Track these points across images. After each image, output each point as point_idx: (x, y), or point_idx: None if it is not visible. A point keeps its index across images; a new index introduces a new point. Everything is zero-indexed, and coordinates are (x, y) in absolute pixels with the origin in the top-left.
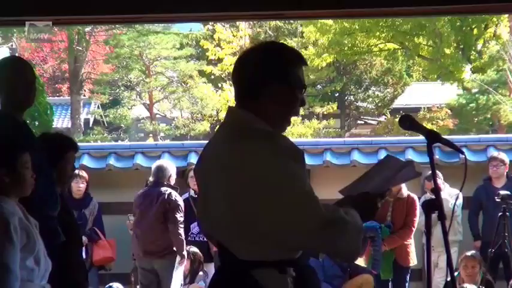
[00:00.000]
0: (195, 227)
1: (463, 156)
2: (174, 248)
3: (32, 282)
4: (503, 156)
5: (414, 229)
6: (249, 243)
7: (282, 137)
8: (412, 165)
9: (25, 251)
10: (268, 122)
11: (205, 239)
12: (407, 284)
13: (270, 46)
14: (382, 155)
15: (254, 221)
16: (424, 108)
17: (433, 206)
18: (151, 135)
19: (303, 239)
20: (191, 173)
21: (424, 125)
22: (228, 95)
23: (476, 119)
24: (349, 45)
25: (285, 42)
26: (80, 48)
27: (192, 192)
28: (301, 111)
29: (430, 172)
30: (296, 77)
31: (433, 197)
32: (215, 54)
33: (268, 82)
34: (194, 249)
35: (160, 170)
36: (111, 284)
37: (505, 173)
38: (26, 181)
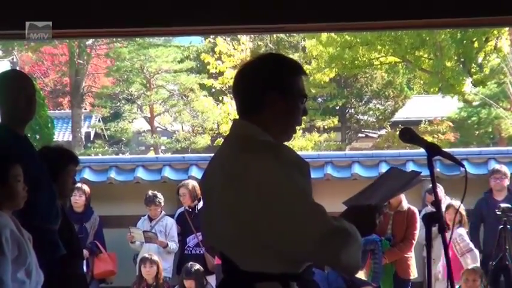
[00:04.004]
0: (191, 240)
1: (464, 169)
2: None
3: None
4: (505, 169)
5: (414, 242)
6: (252, 254)
7: (287, 148)
8: (415, 174)
9: (16, 263)
10: (271, 133)
11: (201, 252)
12: None
13: (269, 57)
14: (383, 168)
15: (258, 231)
16: (424, 121)
17: (434, 218)
18: (152, 148)
19: (307, 249)
20: (181, 190)
21: (425, 138)
22: (228, 108)
23: (477, 132)
24: (351, 58)
25: (282, 54)
26: (81, 62)
27: (187, 206)
28: (302, 125)
29: (431, 185)
30: (296, 86)
31: (434, 209)
32: (216, 68)
33: (269, 93)
34: (196, 266)
35: None
36: None
37: (506, 186)
38: (17, 194)
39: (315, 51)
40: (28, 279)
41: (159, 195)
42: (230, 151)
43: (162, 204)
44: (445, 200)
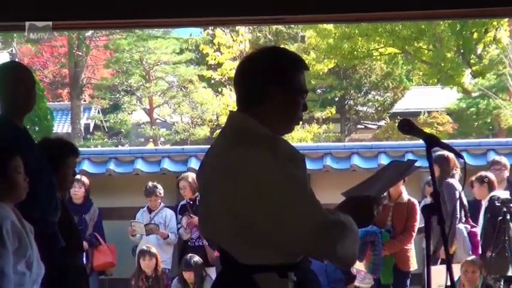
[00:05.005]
0: (194, 232)
1: (463, 160)
2: None
3: (23, 287)
4: (505, 160)
5: (414, 234)
6: (249, 247)
7: (283, 141)
8: (411, 163)
9: (17, 255)
10: (270, 126)
11: (203, 244)
12: None
13: (271, 50)
14: (382, 159)
15: (254, 224)
16: (424, 112)
17: (433, 210)
18: (151, 140)
19: (303, 241)
20: (181, 183)
21: (424, 129)
22: (228, 100)
23: (476, 123)
24: (349, 49)
25: (285, 47)
26: (80, 53)
27: (187, 198)
28: None
29: (430, 177)
30: (297, 81)
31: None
32: (215, 59)
33: (269, 86)
34: (196, 258)
35: None
36: None
37: (506, 178)
38: (18, 185)
39: (314, 42)
40: (29, 271)
41: (159, 186)
42: (227, 143)
43: (162, 195)
44: None
